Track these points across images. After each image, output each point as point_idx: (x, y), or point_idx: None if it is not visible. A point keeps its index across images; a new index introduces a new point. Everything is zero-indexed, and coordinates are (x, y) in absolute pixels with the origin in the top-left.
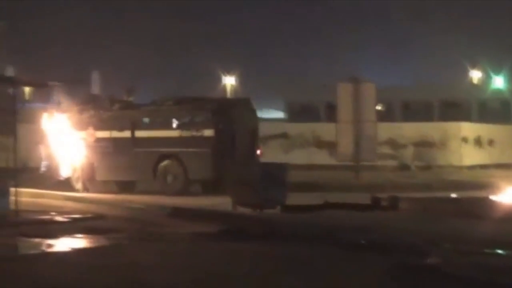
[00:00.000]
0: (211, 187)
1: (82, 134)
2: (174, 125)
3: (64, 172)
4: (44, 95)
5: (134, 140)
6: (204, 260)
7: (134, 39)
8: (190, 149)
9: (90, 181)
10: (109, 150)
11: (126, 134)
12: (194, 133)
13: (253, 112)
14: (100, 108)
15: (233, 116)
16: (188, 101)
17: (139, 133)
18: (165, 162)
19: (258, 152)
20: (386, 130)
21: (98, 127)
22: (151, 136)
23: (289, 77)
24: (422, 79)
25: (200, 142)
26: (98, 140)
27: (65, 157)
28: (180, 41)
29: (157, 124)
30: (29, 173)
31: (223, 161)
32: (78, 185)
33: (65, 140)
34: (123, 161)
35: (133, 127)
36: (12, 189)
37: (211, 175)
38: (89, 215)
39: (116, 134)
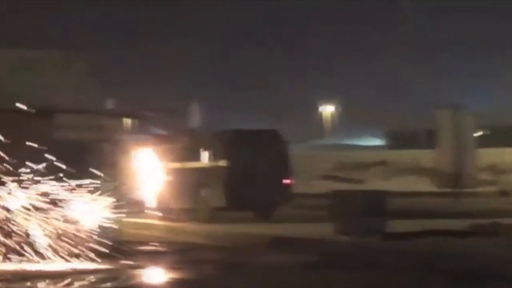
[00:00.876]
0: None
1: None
2: (204, 156)
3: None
4: (145, 126)
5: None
6: None
7: (234, 69)
8: (210, 179)
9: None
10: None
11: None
12: (213, 164)
13: (281, 143)
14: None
15: (250, 147)
16: (221, 133)
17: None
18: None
19: (288, 181)
20: (487, 155)
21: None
22: (192, 167)
23: (388, 104)
24: None
25: (217, 172)
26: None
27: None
28: (278, 72)
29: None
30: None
31: (236, 189)
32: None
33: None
34: None
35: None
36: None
37: (223, 202)
38: (188, 246)
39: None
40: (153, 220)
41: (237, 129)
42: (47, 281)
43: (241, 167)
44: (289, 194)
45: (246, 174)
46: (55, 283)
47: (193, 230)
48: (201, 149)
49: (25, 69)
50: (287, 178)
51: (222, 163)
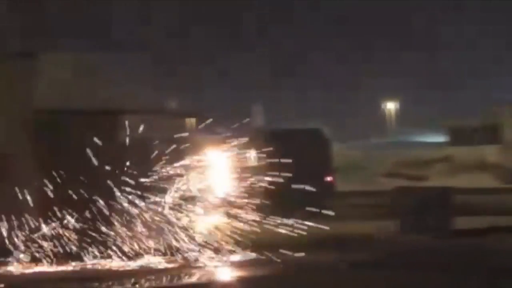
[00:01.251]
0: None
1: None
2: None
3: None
4: (209, 127)
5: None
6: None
7: (291, 71)
8: None
9: None
10: None
11: None
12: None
13: (323, 141)
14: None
15: (290, 145)
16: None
17: None
18: None
19: (329, 178)
20: None
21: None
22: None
23: (450, 101)
24: None
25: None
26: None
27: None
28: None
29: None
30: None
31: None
32: None
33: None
34: None
35: None
36: None
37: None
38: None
39: None
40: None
41: (276, 128)
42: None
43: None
44: (332, 191)
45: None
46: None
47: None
48: (250, 149)
49: (88, 72)
50: (328, 175)
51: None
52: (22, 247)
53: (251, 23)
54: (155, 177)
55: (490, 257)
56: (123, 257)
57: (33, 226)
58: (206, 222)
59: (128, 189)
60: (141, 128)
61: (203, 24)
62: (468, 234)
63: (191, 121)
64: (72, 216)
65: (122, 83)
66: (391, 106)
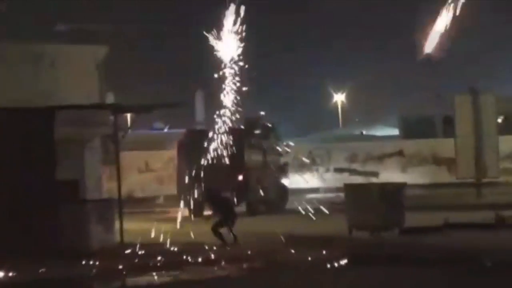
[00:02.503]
0: None
1: None
2: None
3: None
4: (146, 121)
5: None
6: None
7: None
8: None
9: None
10: None
11: None
12: None
13: (238, 140)
14: None
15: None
16: None
17: None
18: None
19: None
20: (508, 143)
21: None
22: None
23: (402, 90)
24: None
25: None
26: None
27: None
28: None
29: None
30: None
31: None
32: None
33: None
34: None
35: None
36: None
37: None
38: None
39: None
40: None
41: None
42: None
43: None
44: (245, 189)
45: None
46: None
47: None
48: None
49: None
50: (240, 174)
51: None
52: None
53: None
54: None
55: (445, 254)
56: None
57: None
58: None
59: None
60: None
61: None
62: (421, 231)
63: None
64: None
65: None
66: (341, 98)
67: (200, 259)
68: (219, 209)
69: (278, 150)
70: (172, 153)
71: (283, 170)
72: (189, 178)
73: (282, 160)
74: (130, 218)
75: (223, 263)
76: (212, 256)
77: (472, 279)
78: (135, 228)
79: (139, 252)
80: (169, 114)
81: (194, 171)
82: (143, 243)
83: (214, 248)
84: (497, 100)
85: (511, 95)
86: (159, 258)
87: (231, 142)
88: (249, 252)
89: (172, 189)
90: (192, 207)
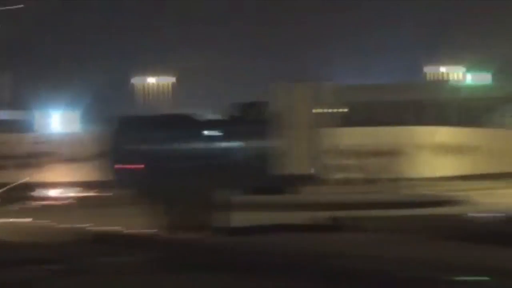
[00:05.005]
0: None
1: None
2: None
3: None
4: None
5: None
6: None
7: None
8: None
9: None
10: None
11: None
12: None
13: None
14: None
15: None
16: None
17: None
18: None
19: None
20: (344, 136)
21: None
22: None
23: (233, 77)
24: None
25: None
26: None
27: None
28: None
29: None
30: None
31: None
32: None
33: None
34: None
35: None
36: None
37: None
38: None
39: None
40: None
41: None
42: None
43: None
44: None
45: None
46: None
47: None
48: None
49: None
50: None
51: None
52: None
53: None
54: None
55: (278, 258)
56: None
57: None
58: None
59: None
60: None
61: None
62: (251, 232)
63: None
64: None
65: None
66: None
67: None
68: None
69: None
70: None
71: None
72: None
73: None
74: None
75: None
76: None
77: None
78: None
79: None
80: None
81: None
82: None
83: None
84: (337, 89)
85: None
86: None
87: None
88: None
89: None
90: None
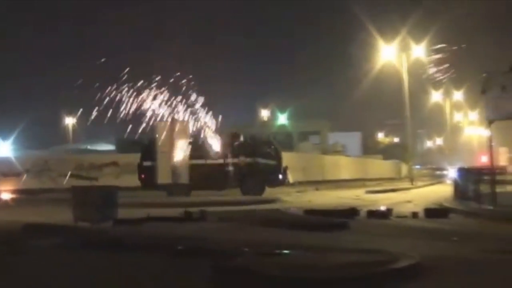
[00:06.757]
0: None
1: None
2: None
3: None
4: None
5: None
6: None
7: None
8: None
9: None
10: None
11: None
12: None
13: None
14: None
15: None
16: None
17: None
18: None
19: None
20: None
21: None
22: None
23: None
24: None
25: None
26: None
27: None
28: None
29: None
30: None
31: None
32: None
33: None
34: None
35: None
36: None
37: None
38: None
39: None
40: None
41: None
42: None
43: None
44: None
45: None
46: None
47: None
48: None
49: None
50: None
51: None
52: None
53: None
54: None
55: (150, 239)
56: None
57: None
58: None
59: None
60: None
61: None
62: (129, 223)
63: None
64: None
65: None
66: (69, 121)
67: None
68: None
69: None
70: None
71: None
72: None
73: None
74: None
75: None
76: None
77: (171, 260)
78: None
79: None
80: None
81: None
82: None
83: None
84: None
85: None
86: None
87: None
88: None
89: None
90: None
